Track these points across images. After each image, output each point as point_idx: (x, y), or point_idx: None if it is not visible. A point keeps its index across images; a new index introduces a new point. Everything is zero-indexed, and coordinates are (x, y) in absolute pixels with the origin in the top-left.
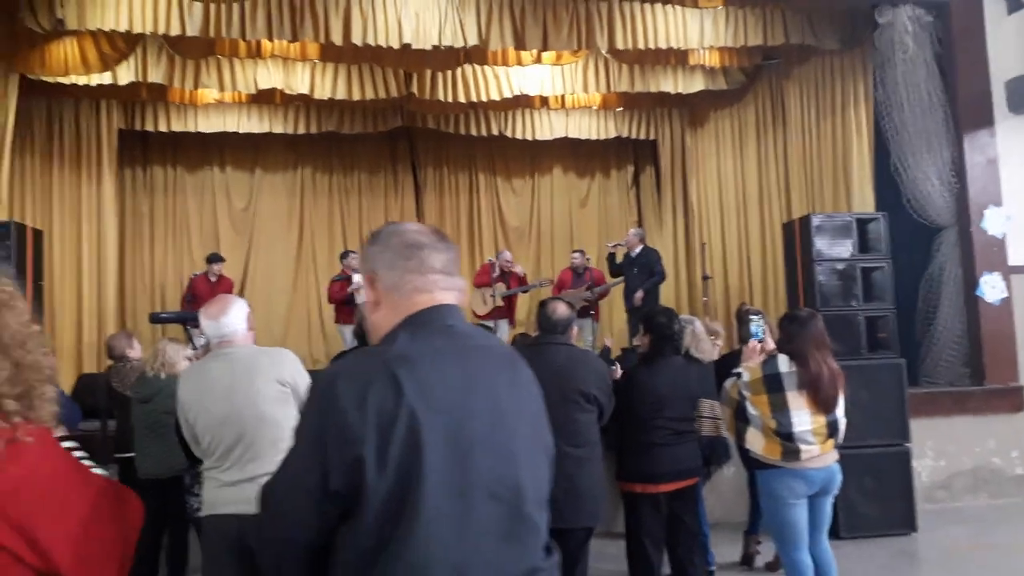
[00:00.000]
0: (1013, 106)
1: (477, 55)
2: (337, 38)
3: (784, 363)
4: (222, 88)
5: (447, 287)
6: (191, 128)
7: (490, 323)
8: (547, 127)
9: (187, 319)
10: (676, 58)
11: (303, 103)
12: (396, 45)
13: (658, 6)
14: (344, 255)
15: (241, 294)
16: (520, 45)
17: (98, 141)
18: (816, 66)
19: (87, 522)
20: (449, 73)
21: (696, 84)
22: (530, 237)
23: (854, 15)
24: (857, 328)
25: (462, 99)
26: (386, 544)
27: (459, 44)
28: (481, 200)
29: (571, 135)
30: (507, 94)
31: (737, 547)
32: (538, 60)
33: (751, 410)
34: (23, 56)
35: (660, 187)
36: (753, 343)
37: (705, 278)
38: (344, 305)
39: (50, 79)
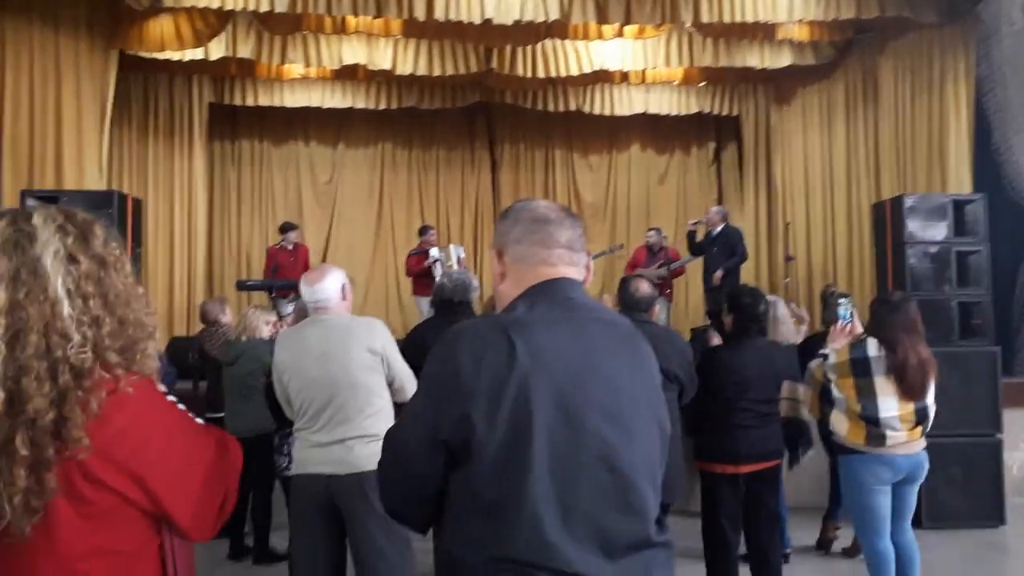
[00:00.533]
0: None
1: (558, 29)
2: (420, 14)
3: (873, 347)
4: (308, 63)
5: (571, 262)
6: (277, 103)
7: None
8: (626, 102)
9: (272, 287)
10: (763, 32)
11: (384, 79)
12: (478, 20)
13: None
14: (422, 230)
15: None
16: (602, 19)
17: (190, 115)
18: (912, 41)
19: (191, 465)
20: (529, 48)
21: (783, 59)
22: (605, 214)
23: None
24: (950, 314)
25: (541, 74)
26: (496, 501)
27: (540, 19)
28: (557, 176)
29: (651, 111)
30: (587, 69)
31: (812, 532)
32: (620, 34)
33: (836, 393)
34: (122, 33)
35: (742, 165)
36: (840, 323)
37: (788, 259)
38: (420, 278)
39: (146, 55)
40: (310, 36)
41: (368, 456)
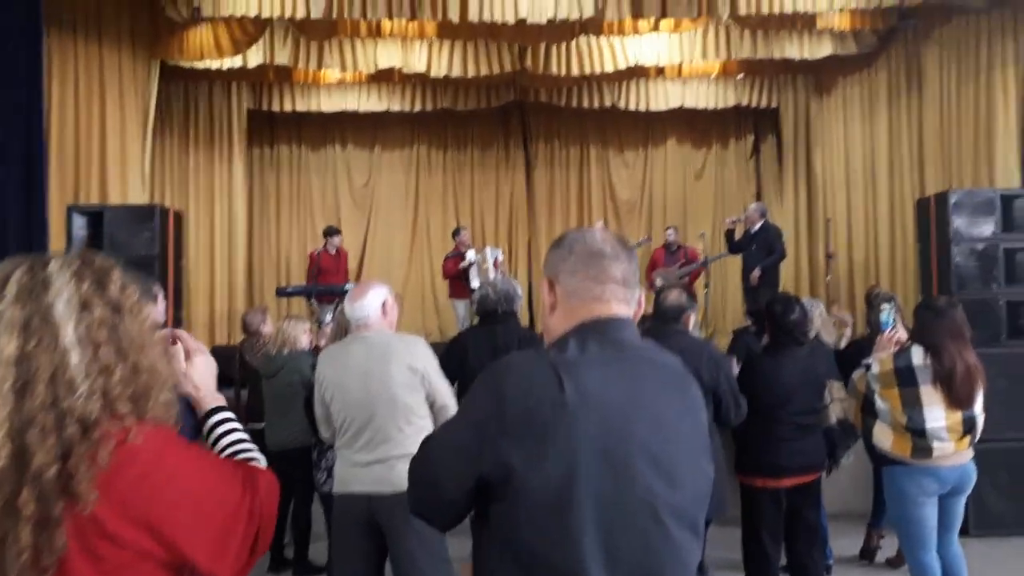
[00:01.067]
0: None
1: (592, 26)
2: (454, 15)
3: (918, 355)
4: (344, 68)
5: (624, 299)
6: (314, 108)
7: None
8: (662, 97)
9: (311, 292)
10: (802, 22)
11: (419, 81)
12: (512, 20)
13: None
14: (456, 232)
15: (360, 268)
16: (638, 14)
17: (229, 121)
18: (959, 27)
19: (211, 507)
20: (563, 45)
21: (824, 49)
22: (641, 211)
23: None
24: (997, 314)
25: (576, 72)
26: (537, 547)
27: (575, 16)
28: (592, 174)
29: (687, 105)
30: (622, 65)
31: (855, 540)
32: (655, 28)
33: (880, 404)
34: (163, 44)
35: (782, 158)
36: (888, 333)
37: (828, 256)
38: (456, 280)
39: (186, 64)
40: (346, 41)
41: None
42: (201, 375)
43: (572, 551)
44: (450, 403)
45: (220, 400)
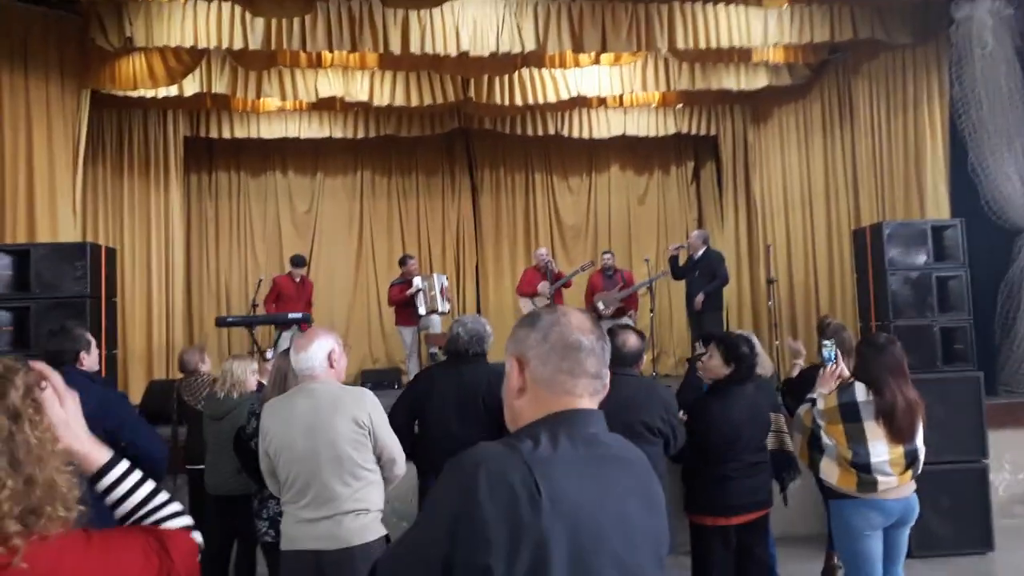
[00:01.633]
0: None
1: (535, 59)
2: (396, 47)
3: (861, 391)
4: (284, 97)
5: (595, 391)
6: (254, 134)
7: None
8: (604, 125)
9: (252, 322)
10: (738, 56)
11: (362, 108)
12: (454, 53)
13: (720, 6)
14: (403, 260)
15: None
16: (578, 48)
17: (165, 149)
18: (886, 61)
19: None
20: (506, 77)
21: (759, 80)
22: (586, 235)
23: (927, 8)
24: (932, 340)
25: (519, 102)
26: None
27: (517, 50)
28: (537, 199)
29: (629, 132)
30: (564, 96)
31: (804, 564)
32: (596, 61)
33: (826, 439)
34: (94, 73)
35: (721, 183)
36: (830, 367)
37: (770, 281)
38: (403, 307)
39: (119, 93)
40: (285, 70)
41: (358, 530)
42: (81, 424)
43: None
44: (398, 457)
45: (108, 451)
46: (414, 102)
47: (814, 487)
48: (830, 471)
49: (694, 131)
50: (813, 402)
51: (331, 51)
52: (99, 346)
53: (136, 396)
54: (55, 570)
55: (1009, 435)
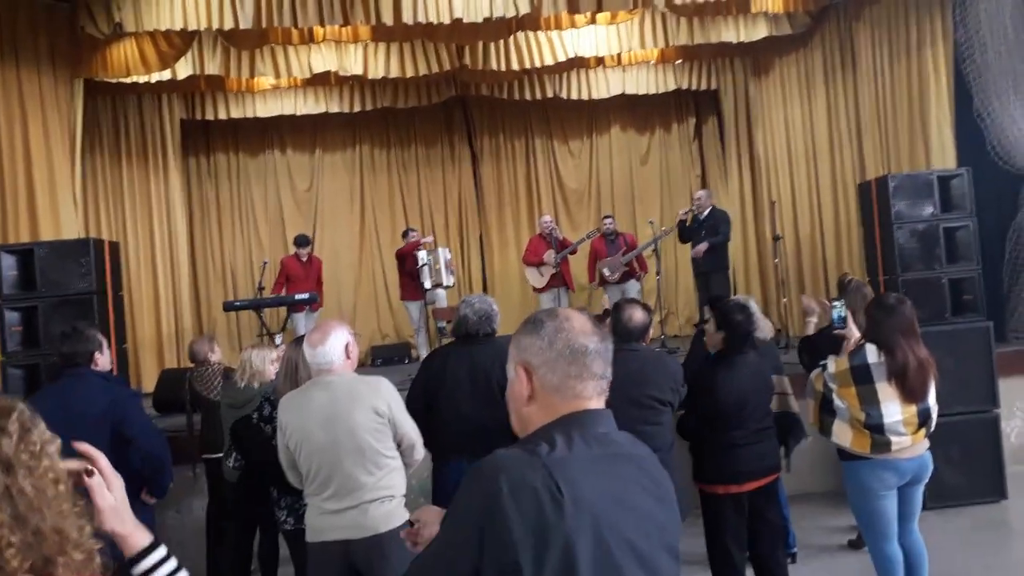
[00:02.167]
0: None
1: (529, 22)
2: (388, 18)
3: (872, 353)
4: (277, 75)
5: (602, 391)
6: (250, 114)
7: (551, 293)
8: (603, 85)
9: (259, 305)
10: (737, 7)
11: (357, 82)
12: (447, 20)
13: None
14: (405, 234)
15: None
16: (573, 8)
17: (162, 133)
18: (887, 5)
19: None
20: (502, 42)
21: (759, 31)
22: (589, 199)
23: None
24: (941, 292)
25: (515, 67)
26: None
27: (511, 13)
28: (538, 165)
29: (628, 91)
30: (561, 58)
31: (817, 521)
32: (592, 21)
33: (838, 402)
34: (86, 61)
35: (724, 138)
36: (854, 336)
37: (776, 238)
38: (409, 282)
39: (112, 79)
40: (278, 47)
41: (383, 516)
42: (126, 506)
43: None
44: (417, 442)
45: (148, 535)
46: (409, 72)
47: (822, 444)
48: (843, 434)
49: (694, 86)
50: (824, 366)
51: (323, 26)
52: (109, 341)
53: (149, 386)
54: None
55: (1020, 382)
